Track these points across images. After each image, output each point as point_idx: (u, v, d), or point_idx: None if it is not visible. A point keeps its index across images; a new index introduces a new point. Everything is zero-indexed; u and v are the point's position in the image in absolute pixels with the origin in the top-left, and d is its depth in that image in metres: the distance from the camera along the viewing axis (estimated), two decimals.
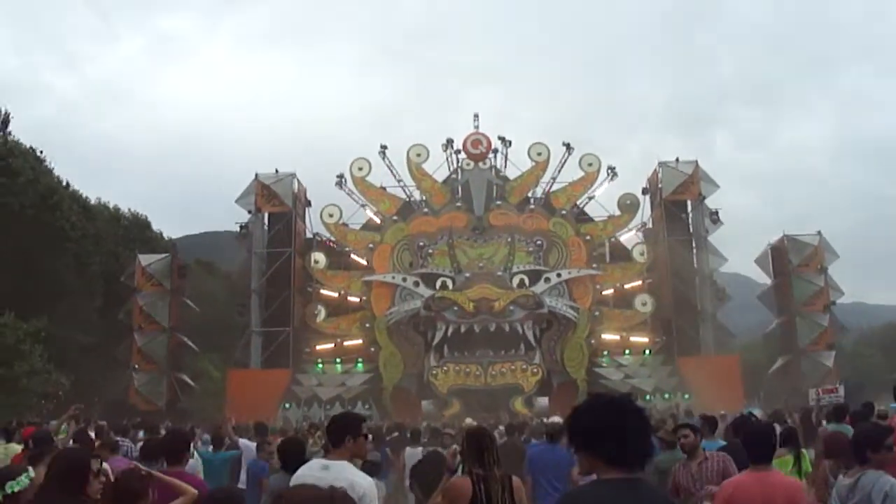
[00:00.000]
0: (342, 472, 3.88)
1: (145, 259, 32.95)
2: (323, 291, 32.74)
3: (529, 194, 33.29)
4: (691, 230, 32.94)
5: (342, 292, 32.30)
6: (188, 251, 45.10)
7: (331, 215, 33.14)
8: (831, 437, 6.00)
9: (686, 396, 28.12)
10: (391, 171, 33.38)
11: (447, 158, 33.49)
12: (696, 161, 32.89)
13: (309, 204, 35.22)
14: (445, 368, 29.07)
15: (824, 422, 10.09)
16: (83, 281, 34.49)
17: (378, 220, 33.38)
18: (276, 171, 33.32)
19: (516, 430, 11.32)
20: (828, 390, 21.41)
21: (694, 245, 33.02)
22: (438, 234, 31.49)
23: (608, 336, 31.48)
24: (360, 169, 33.19)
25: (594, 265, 31.88)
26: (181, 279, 33.96)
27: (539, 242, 31.25)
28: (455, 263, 30.71)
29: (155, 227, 45.23)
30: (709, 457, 5.69)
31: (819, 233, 32.59)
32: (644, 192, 33.86)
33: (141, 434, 11.94)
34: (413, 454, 9.60)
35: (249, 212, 32.80)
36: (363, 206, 33.49)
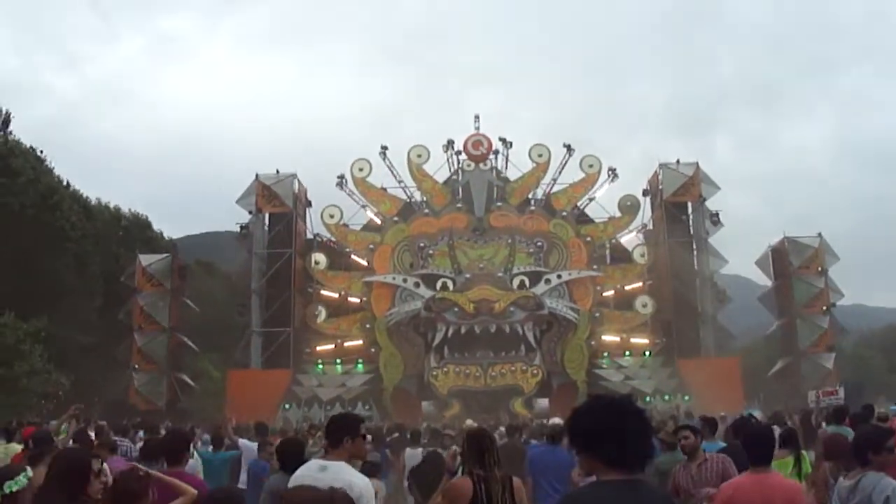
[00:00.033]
0: (340, 473, 3.88)
1: (146, 259, 32.95)
2: (323, 292, 32.73)
3: (530, 195, 33.28)
4: (692, 232, 32.92)
5: (342, 293, 32.30)
6: (188, 251, 45.13)
7: (331, 216, 33.14)
8: (831, 439, 6.00)
9: (686, 398, 28.08)
10: (392, 172, 33.43)
11: (448, 159, 33.54)
12: (697, 163, 32.88)
13: (309, 204, 35.24)
14: (445, 369, 29.05)
15: (823, 424, 10.09)
16: (83, 281, 34.52)
17: (378, 221, 33.38)
18: (277, 171, 33.31)
19: (517, 431, 11.30)
20: (828, 392, 21.46)
21: (694, 247, 33.01)
22: (439, 235, 31.48)
23: (608, 337, 31.48)
24: (361, 170, 33.19)
25: (594, 267, 31.87)
26: (181, 279, 33.97)
27: (539, 244, 31.24)
28: (455, 264, 30.70)
29: (155, 227, 45.32)
30: (708, 458, 5.68)
31: (819, 235, 32.61)
32: (644, 193, 33.85)
33: (141, 434, 11.94)
34: (413, 455, 9.59)
35: (250, 212, 32.79)
36: (364, 206, 33.49)
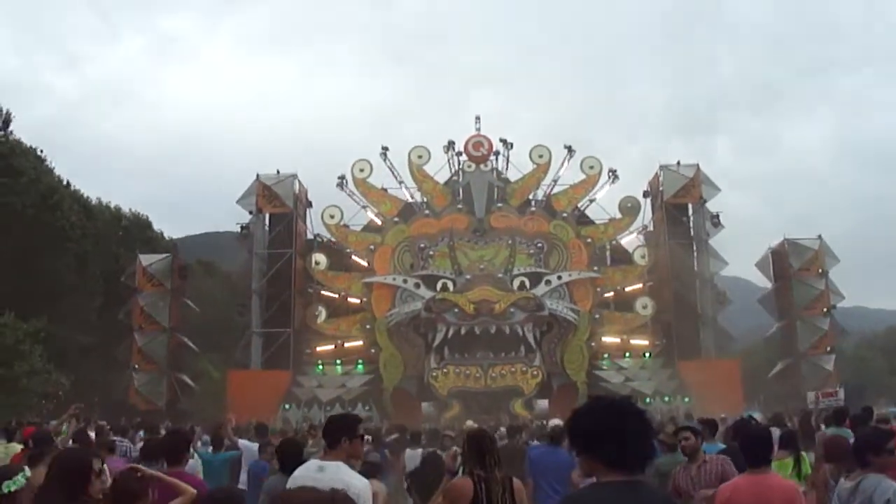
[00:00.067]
0: (337, 474, 3.88)
1: (146, 259, 32.95)
2: (323, 292, 32.74)
3: (530, 196, 33.27)
4: (692, 233, 32.92)
5: (343, 293, 32.30)
6: (189, 251, 45.16)
7: (332, 216, 33.14)
8: (832, 441, 6.00)
9: (686, 399, 28.08)
10: (392, 173, 33.43)
11: (448, 160, 33.53)
12: (698, 164, 32.89)
13: (310, 205, 35.24)
14: (445, 370, 29.05)
15: (822, 425, 10.08)
16: (83, 281, 34.53)
17: (379, 222, 33.37)
18: (278, 171, 33.31)
19: (517, 432, 11.30)
20: (827, 394, 21.46)
21: (695, 248, 33.02)
22: (439, 236, 31.48)
23: (608, 339, 31.47)
24: (362, 170, 33.18)
25: (595, 268, 31.86)
26: (182, 279, 33.95)
27: (540, 245, 31.24)
28: (456, 265, 30.70)
29: (156, 227, 45.37)
30: (708, 460, 5.68)
31: (819, 237, 32.60)
32: (645, 195, 33.83)
33: (141, 434, 11.94)
34: (413, 456, 9.58)
35: (250, 212, 32.80)
36: (364, 207, 33.49)
